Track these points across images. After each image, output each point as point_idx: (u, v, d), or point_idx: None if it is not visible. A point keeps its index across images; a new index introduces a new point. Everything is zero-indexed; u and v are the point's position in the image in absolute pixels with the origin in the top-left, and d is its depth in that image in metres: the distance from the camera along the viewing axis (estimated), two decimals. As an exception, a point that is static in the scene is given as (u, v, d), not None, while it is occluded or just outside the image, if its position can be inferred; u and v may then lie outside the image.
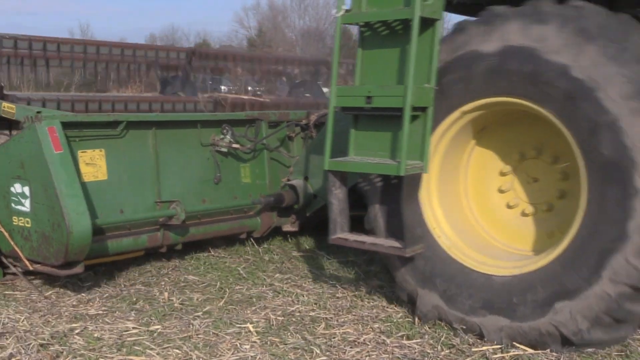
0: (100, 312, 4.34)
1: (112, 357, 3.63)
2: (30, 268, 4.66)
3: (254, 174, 5.90)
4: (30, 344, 3.74)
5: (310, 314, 4.32)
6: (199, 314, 4.31)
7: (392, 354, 3.76)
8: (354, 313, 4.36)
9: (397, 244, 4.08)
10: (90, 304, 4.50)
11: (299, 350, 3.77)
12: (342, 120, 4.32)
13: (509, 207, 4.43)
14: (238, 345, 3.82)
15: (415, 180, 4.06)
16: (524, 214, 4.38)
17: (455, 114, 4.12)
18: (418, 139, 4.00)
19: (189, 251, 5.82)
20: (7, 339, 3.83)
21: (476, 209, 4.49)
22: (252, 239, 6.11)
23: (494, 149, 4.46)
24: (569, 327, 3.64)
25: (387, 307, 4.48)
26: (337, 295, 4.72)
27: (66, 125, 4.65)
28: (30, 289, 4.76)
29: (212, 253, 5.80)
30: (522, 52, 3.78)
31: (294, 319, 4.24)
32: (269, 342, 3.87)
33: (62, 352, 3.67)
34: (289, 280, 5.05)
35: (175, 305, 4.46)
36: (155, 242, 5.15)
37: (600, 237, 3.55)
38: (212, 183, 5.56)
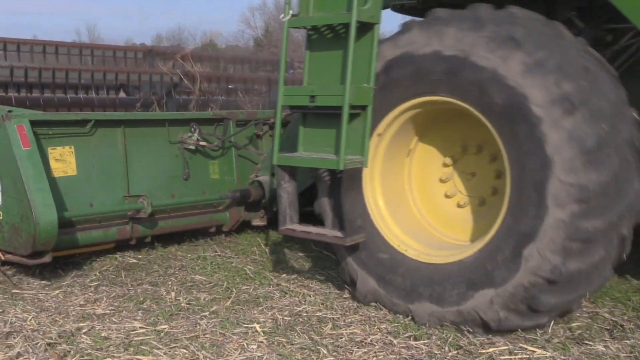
0: (108, 311, 4.34)
1: (119, 357, 3.63)
2: (2, 258, 4.86)
3: (223, 171, 6.16)
4: (38, 343, 3.75)
5: (317, 314, 4.32)
6: (206, 313, 4.31)
7: (399, 354, 3.75)
8: (361, 313, 4.35)
9: (339, 234, 4.36)
10: (98, 303, 4.50)
11: (306, 350, 3.76)
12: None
13: (447, 196, 4.69)
14: (245, 345, 3.82)
15: (355, 174, 4.34)
16: (459, 205, 4.64)
17: (398, 109, 4.35)
18: (359, 135, 4.27)
19: (196, 251, 5.84)
20: (14, 338, 3.84)
21: (419, 200, 4.75)
22: (259, 240, 6.13)
23: (440, 142, 4.68)
24: (489, 314, 3.89)
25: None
26: (344, 295, 4.71)
27: (36, 124, 4.92)
28: (37, 288, 4.78)
29: (219, 253, 5.81)
30: (455, 55, 4.00)
31: (300, 319, 4.24)
32: (275, 342, 3.86)
33: (69, 352, 3.68)
34: (296, 281, 5.04)
35: (182, 305, 4.46)
36: (124, 235, 5.43)
37: (519, 232, 3.79)
38: (180, 179, 5.85)
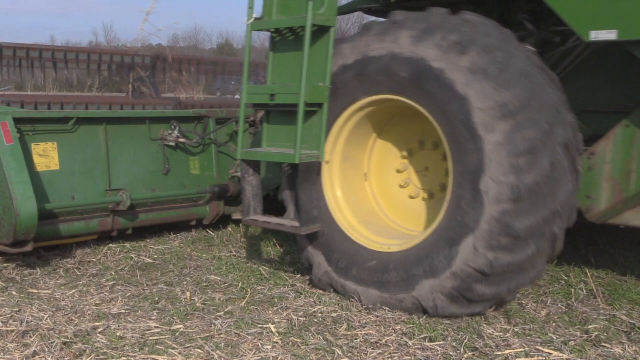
0: (123, 311, 4.35)
1: (135, 356, 3.64)
2: None
3: (203, 166, 6.46)
4: (54, 342, 3.76)
5: (332, 315, 4.30)
6: (221, 313, 4.31)
7: (414, 355, 3.73)
8: (376, 314, 4.33)
9: (296, 224, 4.64)
10: (113, 302, 4.52)
11: (321, 351, 3.75)
12: None
13: (401, 187, 4.99)
14: (259, 345, 3.81)
15: (312, 167, 4.63)
16: (411, 197, 4.95)
17: (353, 107, 4.61)
18: (315, 131, 4.56)
19: (211, 251, 5.84)
20: (31, 336, 3.86)
21: (377, 191, 5.02)
22: (274, 240, 6.13)
23: (400, 135, 4.95)
24: (428, 301, 4.19)
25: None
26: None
27: (19, 121, 5.21)
28: (54, 287, 4.80)
29: (234, 253, 5.81)
30: (408, 57, 4.25)
31: (315, 320, 4.23)
32: (290, 343, 3.85)
33: (84, 351, 3.69)
34: (311, 281, 5.03)
35: (197, 305, 4.46)
36: (105, 227, 5.73)
37: (457, 226, 4.06)
38: (161, 174, 6.15)
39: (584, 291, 4.82)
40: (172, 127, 6.19)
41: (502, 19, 4.69)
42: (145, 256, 5.62)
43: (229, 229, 6.65)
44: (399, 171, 5.01)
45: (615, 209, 4.57)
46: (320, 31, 4.50)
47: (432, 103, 4.19)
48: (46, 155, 5.44)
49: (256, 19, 4.75)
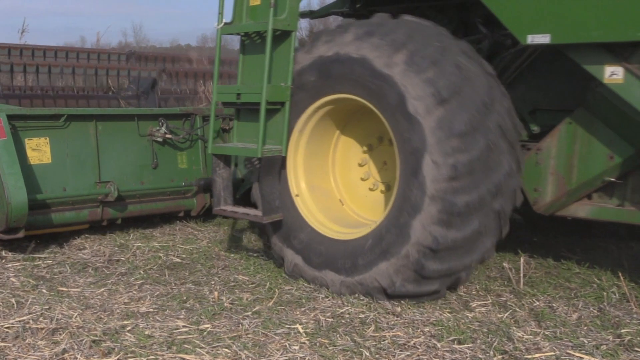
0: (151, 310, 4.37)
1: (163, 355, 3.65)
2: None
3: (190, 161, 6.80)
4: (83, 340, 3.79)
5: (360, 316, 4.28)
6: (249, 313, 4.31)
7: (443, 358, 3.69)
8: (404, 316, 4.30)
9: (259, 213, 4.94)
10: (142, 301, 4.54)
11: (348, 352, 3.73)
12: None
13: (362, 180, 5.29)
14: (287, 345, 3.81)
15: (274, 161, 4.96)
16: (370, 189, 5.24)
17: (314, 106, 4.92)
18: (278, 127, 4.91)
19: (239, 251, 5.85)
20: (60, 334, 3.89)
21: (341, 184, 5.34)
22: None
23: (361, 132, 5.24)
24: (386, 281, 4.46)
25: (438, 311, 4.42)
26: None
27: (13, 117, 5.59)
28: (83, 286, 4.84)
29: (262, 254, 5.81)
30: (351, 57, 4.59)
31: (343, 321, 4.21)
32: (318, 344, 3.84)
33: (113, 349, 3.71)
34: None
35: (225, 304, 4.47)
36: (95, 217, 6.09)
37: (406, 209, 4.36)
38: (150, 168, 6.52)
39: (617, 295, 4.74)
40: (160, 124, 6.53)
41: (461, 23, 5.12)
42: (174, 255, 5.64)
43: (258, 229, 6.65)
44: (360, 165, 5.34)
45: (560, 202, 4.89)
46: (283, 35, 4.85)
47: (376, 98, 4.53)
48: (39, 150, 5.83)
49: (226, 23, 5.11)
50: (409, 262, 4.37)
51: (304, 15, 6.25)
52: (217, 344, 3.80)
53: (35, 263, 5.34)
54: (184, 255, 5.67)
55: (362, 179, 5.29)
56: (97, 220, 6.15)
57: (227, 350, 3.73)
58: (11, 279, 4.93)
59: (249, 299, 4.59)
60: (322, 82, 4.81)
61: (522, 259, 5.09)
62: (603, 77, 4.34)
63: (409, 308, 4.45)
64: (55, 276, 5.06)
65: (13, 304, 4.37)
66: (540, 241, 6.45)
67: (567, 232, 6.41)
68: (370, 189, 5.26)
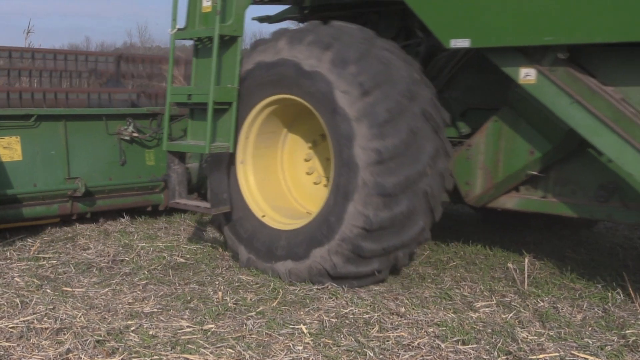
0: (155, 310, 4.37)
1: (167, 355, 3.65)
2: None
3: (158, 158, 7.11)
4: (87, 340, 3.79)
5: (364, 317, 4.28)
6: (253, 314, 4.31)
7: (447, 358, 3.69)
8: (408, 317, 4.30)
9: (208, 205, 5.29)
10: (146, 301, 4.54)
11: (352, 352, 3.73)
12: None
13: (308, 174, 5.64)
14: (291, 346, 3.80)
15: (222, 157, 5.30)
16: (315, 183, 5.57)
17: (259, 106, 5.27)
18: (226, 126, 5.24)
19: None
20: (64, 334, 3.89)
21: (289, 178, 5.69)
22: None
23: (307, 129, 5.56)
24: (327, 263, 4.79)
25: (442, 311, 4.41)
26: (392, 298, 4.67)
27: None
28: (87, 286, 4.85)
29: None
30: (286, 59, 5.00)
31: (347, 321, 4.21)
32: (322, 344, 3.84)
33: (117, 349, 3.71)
34: (343, 282, 5.00)
35: (229, 305, 4.47)
36: (65, 211, 6.45)
37: (341, 194, 4.73)
38: (118, 165, 6.85)
39: (621, 295, 4.73)
40: (128, 123, 6.86)
41: (402, 28, 5.48)
42: (178, 256, 5.64)
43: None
44: (306, 160, 5.72)
45: (489, 194, 5.29)
46: (230, 40, 5.19)
47: (310, 95, 4.89)
48: (10, 148, 6.19)
49: (179, 29, 5.43)
50: (346, 244, 4.71)
51: (262, 20, 6.65)
52: (221, 344, 3.81)
53: (40, 263, 5.35)
54: (188, 256, 5.67)
55: (308, 174, 5.68)
56: (67, 214, 6.49)
57: (231, 350, 3.73)
58: (16, 279, 4.94)
59: (253, 299, 4.59)
60: (264, 84, 5.17)
61: (526, 260, 5.08)
62: (518, 78, 4.68)
63: (413, 309, 4.45)
64: (60, 276, 5.07)
65: (17, 304, 4.38)
66: (545, 242, 6.45)
67: (571, 232, 6.41)
68: (315, 183, 5.64)
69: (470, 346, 3.84)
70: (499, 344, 3.84)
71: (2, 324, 4.03)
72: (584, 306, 4.56)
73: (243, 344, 3.81)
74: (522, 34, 4.53)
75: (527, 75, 4.66)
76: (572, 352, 3.76)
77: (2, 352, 3.65)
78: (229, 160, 5.38)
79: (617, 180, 4.60)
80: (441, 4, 4.84)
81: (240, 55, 5.20)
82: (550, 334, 4.04)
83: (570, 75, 4.53)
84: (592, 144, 4.48)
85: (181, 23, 5.46)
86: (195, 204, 5.47)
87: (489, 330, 4.07)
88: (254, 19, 6.72)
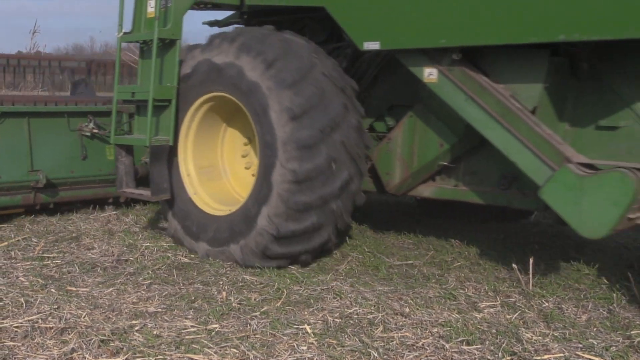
0: (160, 310, 4.37)
1: (171, 355, 3.65)
2: None
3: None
4: (92, 339, 3.80)
5: (368, 317, 4.27)
6: (257, 314, 4.31)
7: (451, 359, 3.69)
8: (412, 317, 4.29)
9: (149, 193, 5.80)
10: (150, 301, 4.54)
11: (356, 352, 3.73)
12: None
13: (246, 168, 6.02)
14: (295, 346, 3.80)
15: (162, 150, 5.77)
16: (253, 175, 5.71)
17: (199, 101, 5.71)
18: (166, 121, 5.77)
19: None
20: (69, 334, 3.90)
21: (229, 170, 6.10)
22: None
23: (243, 126, 5.91)
24: (238, 254, 5.31)
25: (447, 312, 4.41)
26: (396, 298, 4.66)
27: None
28: (92, 285, 4.85)
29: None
30: (217, 62, 5.43)
31: (351, 322, 4.20)
32: (326, 344, 3.84)
33: (122, 349, 3.71)
34: (347, 282, 5.01)
35: (233, 304, 4.47)
36: (28, 201, 6.83)
37: (259, 199, 5.17)
38: (79, 159, 7.24)
39: (626, 296, 4.72)
40: (89, 120, 7.23)
41: (334, 31, 5.85)
42: (182, 256, 5.64)
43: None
44: (243, 156, 6.15)
45: (406, 183, 5.80)
46: (170, 43, 5.71)
47: (244, 98, 5.32)
48: None
49: (125, 33, 6.00)
50: (256, 243, 5.18)
51: (212, 24, 7.07)
52: (225, 344, 3.81)
53: (44, 263, 5.36)
54: (192, 256, 5.67)
55: (246, 168, 6.08)
56: (30, 205, 6.87)
57: (235, 350, 3.73)
58: (20, 278, 4.94)
59: (257, 299, 4.59)
60: (201, 82, 5.61)
61: (531, 260, 5.07)
62: (423, 77, 5.15)
63: (417, 309, 4.44)
64: (64, 276, 5.07)
65: (22, 304, 4.38)
66: (550, 242, 6.44)
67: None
68: (253, 175, 5.77)
69: (474, 346, 3.83)
70: (504, 345, 3.83)
71: (6, 323, 4.04)
72: (589, 307, 4.55)
73: (247, 344, 3.81)
74: (422, 37, 5.00)
75: (430, 74, 5.13)
76: (577, 352, 3.75)
77: (6, 352, 3.65)
78: (169, 153, 5.83)
79: (515, 170, 4.93)
80: (355, 10, 5.32)
81: (178, 57, 5.70)
82: (555, 334, 4.03)
83: (465, 74, 4.97)
84: (484, 137, 4.93)
85: (127, 27, 6.02)
86: (139, 192, 6.00)
87: (494, 331, 4.06)
88: (204, 23, 7.17)
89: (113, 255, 5.61)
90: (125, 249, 5.82)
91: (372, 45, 5.28)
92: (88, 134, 7.25)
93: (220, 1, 6.31)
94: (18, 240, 5.98)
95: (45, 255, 5.57)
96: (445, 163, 5.56)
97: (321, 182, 5.02)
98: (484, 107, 4.86)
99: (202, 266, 5.38)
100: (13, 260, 5.40)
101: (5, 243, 5.88)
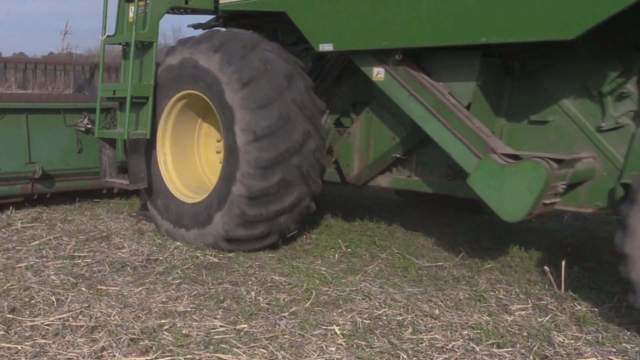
0: (189, 309, 4.38)
1: (200, 354, 3.66)
2: None
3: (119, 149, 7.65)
4: (121, 338, 3.82)
5: (397, 318, 4.24)
6: (285, 314, 4.30)
7: (482, 362, 3.64)
8: (442, 319, 4.25)
9: (127, 182, 6.38)
10: (179, 301, 4.56)
11: (385, 354, 3.70)
12: None
13: (221, 163, 6.08)
14: (324, 347, 3.79)
15: (140, 142, 6.29)
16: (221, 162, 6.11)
17: (173, 99, 6.21)
18: (144, 116, 6.29)
19: (276, 252, 5.84)
20: (99, 332, 3.92)
21: (204, 162, 6.58)
22: (341, 242, 6.11)
23: (215, 124, 6.37)
24: (222, 228, 5.69)
25: (477, 314, 4.36)
26: (426, 300, 4.63)
27: None
28: (121, 284, 4.88)
29: (299, 254, 5.81)
30: (189, 61, 5.96)
31: (380, 323, 4.18)
32: (355, 345, 3.81)
33: (151, 348, 3.73)
34: (376, 284, 4.98)
35: (262, 305, 4.47)
36: (26, 191, 7.39)
37: (229, 172, 5.63)
38: (75, 152, 7.81)
39: (661, 300, 4.62)
40: (83, 116, 7.76)
41: (301, 34, 6.04)
42: (211, 255, 5.65)
43: (294, 230, 6.65)
44: (218, 152, 6.53)
45: (364, 174, 6.28)
46: (147, 45, 6.26)
47: (205, 89, 5.83)
48: None
49: (109, 36, 6.55)
50: (234, 211, 5.59)
51: (196, 27, 7.47)
52: (254, 344, 3.80)
53: (75, 262, 5.40)
54: (220, 255, 5.68)
55: (220, 162, 6.17)
56: (28, 194, 7.42)
57: (263, 350, 3.72)
58: (52, 277, 4.99)
59: (286, 300, 4.59)
60: (173, 81, 6.13)
61: (563, 263, 4.99)
62: (372, 76, 5.62)
63: (447, 311, 4.40)
64: (95, 275, 5.11)
65: (53, 302, 4.43)
66: (583, 245, 6.35)
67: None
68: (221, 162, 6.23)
69: (505, 349, 3.78)
70: (535, 348, 3.78)
71: (38, 321, 4.08)
72: (623, 310, 4.47)
73: (276, 344, 3.80)
74: (368, 39, 5.47)
75: (378, 73, 5.60)
76: (610, 357, 3.69)
77: (38, 349, 3.68)
78: (147, 145, 6.33)
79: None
80: (311, 14, 5.79)
81: (155, 57, 6.22)
82: (588, 338, 3.97)
83: (408, 73, 5.43)
84: (425, 130, 5.38)
85: (111, 30, 6.61)
86: (120, 181, 6.59)
87: (525, 334, 4.01)
88: (189, 26, 7.63)
89: (143, 254, 5.65)
90: (154, 248, 5.85)
91: (326, 47, 5.75)
92: (83, 129, 7.76)
93: (196, 6, 6.72)
94: (50, 239, 6.04)
95: (76, 254, 5.62)
96: (398, 155, 6.00)
97: (278, 139, 5.50)
98: (423, 103, 5.31)
99: (231, 266, 5.39)
100: (44, 259, 5.45)
101: (37, 242, 5.94)
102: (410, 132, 5.78)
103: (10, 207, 7.31)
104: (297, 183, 5.65)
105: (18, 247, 5.79)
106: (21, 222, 6.66)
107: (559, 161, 4.70)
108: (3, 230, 6.37)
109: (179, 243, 5.99)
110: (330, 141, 6.45)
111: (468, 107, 5.31)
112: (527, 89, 5.35)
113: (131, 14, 6.34)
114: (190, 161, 6.53)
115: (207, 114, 6.42)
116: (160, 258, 5.55)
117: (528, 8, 4.55)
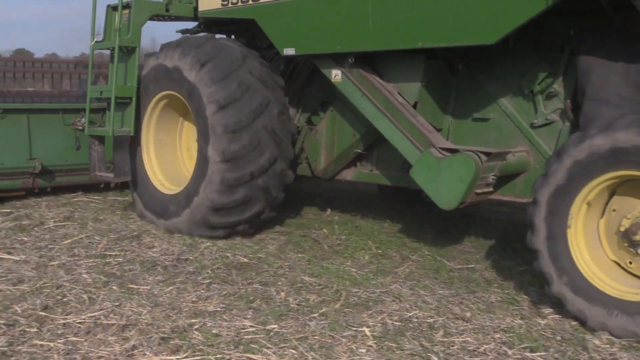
0: (219, 309, 4.39)
1: (230, 354, 3.66)
2: None
3: (108, 145, 7.76)
4: (152, 337, 3.83)
5: (428, 321, 4.21)
6: (315, 315, 4.29)
7: (515, 366, 3.59)
8: (473, 322, 4.21)
9: (112, 175, 7.01)
10: (209, 300, 4.56)
11: (416, 357, 3.67)
12: None
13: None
14: (354, 348, 3.76)
15: (124, 139, 6.83)
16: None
17: (155, 99, 6.71)
18: (128, 115, 6.82)
19: (306, 253, 5.83)
20: (130, 331, 3.94)
21: (186, 158, 7.05)
22: (371, 243, 6.08)
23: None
24: (186, 226, 6.25)
25: (509, 317, 4.31)
26: (457, 302, 4.59)
27: None
28: (152, 283, 4.90)
29: (329, 256, 5.79)
30: (166, 65, 6.47)
31: (411, 325, 4.14)
32: (385, 347, 3.79)
33: (181, 347, 3.73)
34: (407, 285, 4.95)
35: (292, 305, 4.45)
36: (27, 185, 7.91)
37: (198, 178, 6.13)
38: (73, 149, 8.30)
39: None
40: (81, 116, 8.10)
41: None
42: (241, 255, 5.66)
43: (325, 230, 6.64)
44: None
45: (330, 168, 6.79)
46: (131, 50, 6.78)
47: (184, 94, 6.33)
48: None
49: (97, 41, 7.11)
50: (198, 215, 6.12)
51: (184, 32, 7.83)
52: (284, 345, 3.79)
53: (107, 261, 5.44)
54: (250, 255, 5.68)
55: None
56: (29, 188, 7.90)
57: (293, 351, 3.71)
58: (83, 275, 5.03)
59: (316, 301, 4.57)
60: (156, 83, 6.61)
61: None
62: (331, 78, 6.11)
63: (478, 313, 4.35)
64: (126, 274, 5.14)
65: (85, 300, 4.46)
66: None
67: None
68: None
69: (538, 354, 3.73)
70: (569, 353, 3.72)
71: (70, 319, 4.11)
72: (659, 315, 4.38)
73: (306, 345, 3.78)
74: (324, 43, 5.95)
75: (336, 75, 6.08)
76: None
77: (70, 347, 3.71)
78: (131, 142, 6.83)
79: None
80: (276, 21, 6.26)
81: (137, 61, 6.73)
82: (623, 343, 3.89)
83: (361, 75, 5.91)
84: (376, 127, 5.83)
85: (100, 36, 7.13)
86: (107, 175, 7.14)
87: (558, 338, 3.95)
88: (177, 31, 7.98)
89: (173, 254, 5.66)
90: (185, 248, 5.87)
91: (290, 51, 6.20)
92: (80, 128, 8.13)
93: (177, 14, 7.22)
94: (81, 238, 6.09)
95: (107, 253, 5.66)
96: (359, 151, 6.50)
97: (245, 161, 5.96)
98: (374, 102, 5.80)
99: (261, 266, 5.39)
100: (76, 258, 5.50)
101: (69, 240, 5.99)
102: (368, 129, 6.22)
103: (43, 206, 7.40)
104: (259, 199, 6.19)
105: (50, 246, 5.84)
106: (53, 221, 6.72)
107: (487, 154, 5.11)
108: (36, 229, 6.44)
109: (209, 243, 6.00)
110: (302, 138, 6.99)
111: (415, 106, 5.78)
112: (470, 89, 5.80)
113: (117, 21, 6.89)
114: (172, 156, 7.05)
115: (188, 116, 6.82)
116: (191, 258, 5.57)
117: (455, 16, 5.01)
